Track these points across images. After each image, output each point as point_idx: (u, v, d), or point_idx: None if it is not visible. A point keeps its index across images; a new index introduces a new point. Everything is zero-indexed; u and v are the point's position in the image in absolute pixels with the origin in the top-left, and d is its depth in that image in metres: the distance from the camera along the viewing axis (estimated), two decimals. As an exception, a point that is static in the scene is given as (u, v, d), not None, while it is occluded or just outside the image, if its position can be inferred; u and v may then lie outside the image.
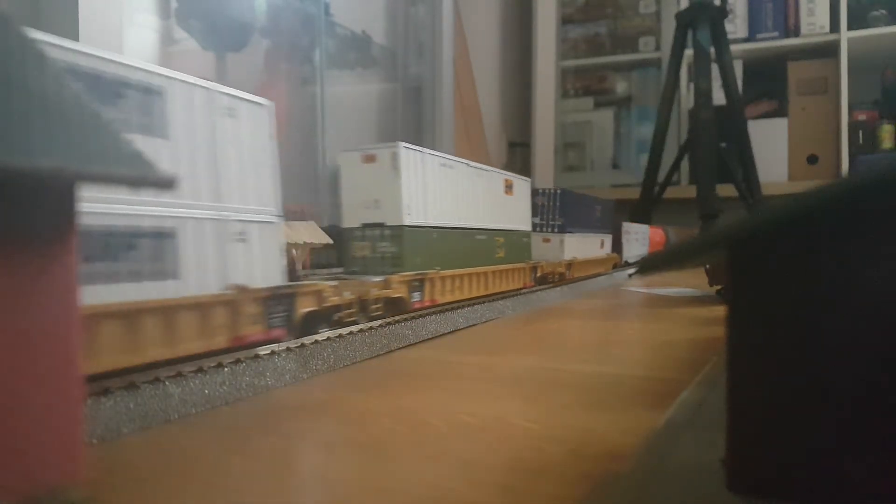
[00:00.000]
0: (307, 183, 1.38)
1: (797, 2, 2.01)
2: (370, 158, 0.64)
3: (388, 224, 0.63)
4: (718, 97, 1.81)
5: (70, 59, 0.32)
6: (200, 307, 0.37)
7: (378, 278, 0.56)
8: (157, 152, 0.37)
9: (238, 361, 0.39)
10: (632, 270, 1.38)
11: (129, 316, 0.33)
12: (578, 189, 1.21)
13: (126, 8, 0.97)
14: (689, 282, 1.13)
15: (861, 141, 1.96)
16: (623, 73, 2.38)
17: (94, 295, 0.32)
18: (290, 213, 1.29)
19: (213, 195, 0.40)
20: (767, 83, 2.09)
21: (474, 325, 0.67)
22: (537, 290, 0.89)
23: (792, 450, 0.19)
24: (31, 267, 0.19)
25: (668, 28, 2.07)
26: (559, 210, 1.08)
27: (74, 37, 0.76)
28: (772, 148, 2.01)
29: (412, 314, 0.60)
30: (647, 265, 0.24)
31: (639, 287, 1.12)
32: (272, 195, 0.46)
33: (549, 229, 1.07)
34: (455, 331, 0.63)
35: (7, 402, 0.18)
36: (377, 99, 1.65)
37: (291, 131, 1.41)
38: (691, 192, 1.78)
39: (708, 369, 0.41)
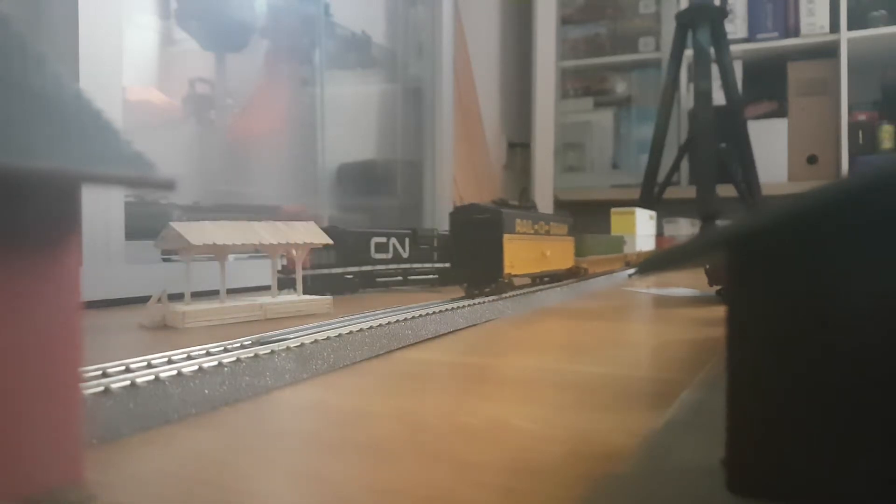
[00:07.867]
0: (307, 183, 1.38)
1: (797, 2, 2.01)
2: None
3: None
4: (718, 97, 1.81)
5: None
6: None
7: None
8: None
9: (238, 361, 0.39)
10: (632, 271, 1.38)
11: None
12: (578, 189, 1.19)
13: (126, 8, 0.97)
14: (689, 282, 1.13)
15: (861, 141, 1.96)
16: (623, 73, 2.38)
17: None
18: (290, 214, 1.29)
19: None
20: (767, 83, 2.09)
21: (474, 325, 0.67)
22: (537, 291, 0.88)
23: (792, 450, 0.19)
24: (33, 268, 0.19)
25: (668, 28, 2.07)
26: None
27: (74, 37, 0.76)
28: (772, 148, 2.02)
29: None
30: (648, 265, 0.24)
31: (638, 287, 1.12)
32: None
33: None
34: (455, 331, 0.63)
35: (7, 403, 0.18)
36: (377, 99, 1.65)
37: (291, 131, 1.41)
38: (691, 192, 1.79)
39: (708, 369, 0.41)
